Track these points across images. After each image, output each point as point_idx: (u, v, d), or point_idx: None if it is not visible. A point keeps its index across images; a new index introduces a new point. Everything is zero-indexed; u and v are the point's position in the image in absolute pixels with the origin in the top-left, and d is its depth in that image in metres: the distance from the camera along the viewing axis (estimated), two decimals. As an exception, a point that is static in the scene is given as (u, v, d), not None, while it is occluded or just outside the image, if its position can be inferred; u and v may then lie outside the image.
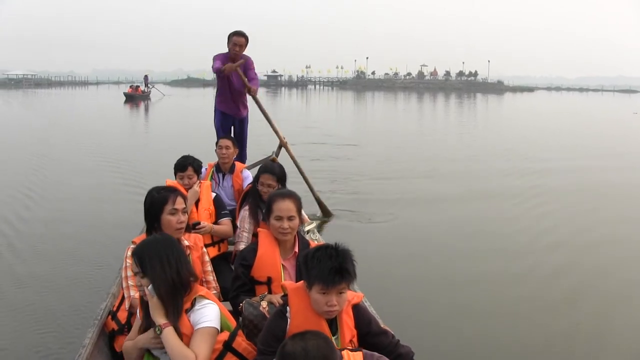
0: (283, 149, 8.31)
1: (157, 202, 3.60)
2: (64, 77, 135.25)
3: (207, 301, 2.85)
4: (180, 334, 2.75)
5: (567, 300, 6.08)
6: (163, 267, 2.78)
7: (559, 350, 5.03)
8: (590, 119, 38.70)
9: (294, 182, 6.67)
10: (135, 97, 49.17)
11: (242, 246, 4.57)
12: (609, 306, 5.99)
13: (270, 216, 3.62)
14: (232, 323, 2.96)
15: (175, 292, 2.79)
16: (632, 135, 25.72)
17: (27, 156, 15.28)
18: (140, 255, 2.82)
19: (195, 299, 2.83)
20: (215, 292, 3.79)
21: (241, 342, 2.94)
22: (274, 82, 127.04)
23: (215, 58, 7.68)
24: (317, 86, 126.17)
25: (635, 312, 5.90)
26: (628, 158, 17.52)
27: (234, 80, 7.72)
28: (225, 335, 2.88)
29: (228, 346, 2.88)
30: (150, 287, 2.76)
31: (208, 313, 2.79)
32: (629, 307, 6.01)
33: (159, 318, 2.76)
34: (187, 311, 2.80)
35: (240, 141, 7.27)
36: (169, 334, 2.72)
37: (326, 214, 8.96)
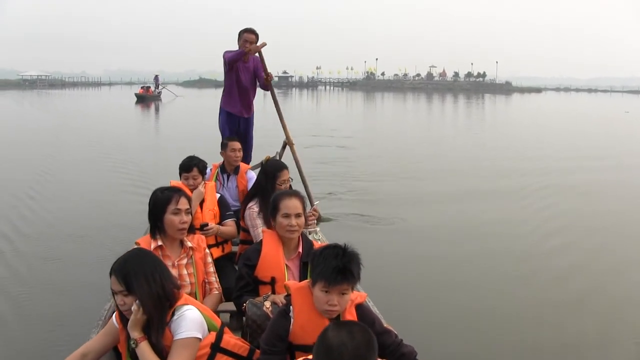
0: (288, 149, 8.22)
1: (160, 201, 3.62)
2: (77, 78, 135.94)
3: (185, 308, 2.79)
4: (164, 348, 2.73)
5: (575, 302, 6.05)
6: (149, 283, 2.73)
7: (566, 352, 5.00)
8: (586, 118, 39.84)
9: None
10: (147, 98, 49.52)
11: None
12: (618, 307, 5.94)
13: (276, 214, 3.60)
14: (217, 322, 2.92)
15: (162, 307, 2.75)
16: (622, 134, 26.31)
17: (35, 156, 15.38)
18: (124, 273, 2.74)
19: (174, 309, 2.78)
20: (217, 292, 3.80)
21: (229, 340, 2.92)
22: (285, 83, 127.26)
23: (226, 53, 7.73)
24: (328, 87, 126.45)
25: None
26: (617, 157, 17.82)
27: (242, 78, 7.72)
28: (212, 337, 2.85)
29: (216, 347, 2.84)
30: (137, 302, 2.71)
31: (185, 323, 2.73)
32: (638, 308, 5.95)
33: (136, 332, 2.72)
34: (168, 323, 2.76)
35: (245, 142, 7.26)
36: (145, 349, 2.70)
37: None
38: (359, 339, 2.11)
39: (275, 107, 8.11)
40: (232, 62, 7.59)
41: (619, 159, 17.06)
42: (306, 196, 8.05)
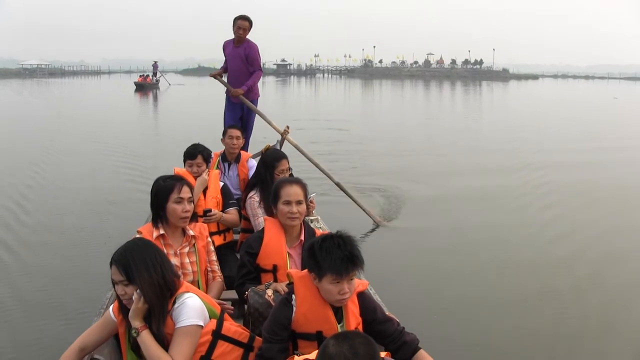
0: (286, 141, 8.16)
1: (163, 190, 3.61)
2: (77, 67, 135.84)
3: (185, 295, 2.80)
4: (166, 336, 2.74)
5: (577, 291, 6.04)
6: (150, 272, 2.74)
7: (568, 340, 5.00)
8: (573, 103, 40.86)
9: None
10: (145, 87, 49.68)
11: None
12: (619, 296, 5.95)
13: (278, 202, 3.60)
14: (217, 309, 2.93)
15: (163, 296, 2.76)
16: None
17: (34, 145, 15.30)
18: (125, 263, 2.74)
19: (175, 297, 2.79)
20: (220, 280, 3.81)
21: (230, 327, 2.92)
22: (284, 71, 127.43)
23: (224, 47, 8.05)
24: (326, 75, 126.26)
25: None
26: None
27: (232, 64, 7.93)
28: (213, 324, 2.85)
29: (217, 334, 2.85)
30: (137, 291, 2.72)
31: (186, 310, 2.74)
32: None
33: (137, 321, 2.73)
34: (169, 312, 2.77)
35: (245, 128, 7.28)
36: (146, 337, 2.71)
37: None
38: (362, 353, 2.05)
39: (254, 111, 8.01)
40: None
41: (603, 145, 17.23)
42: (327, 177, 8.20)
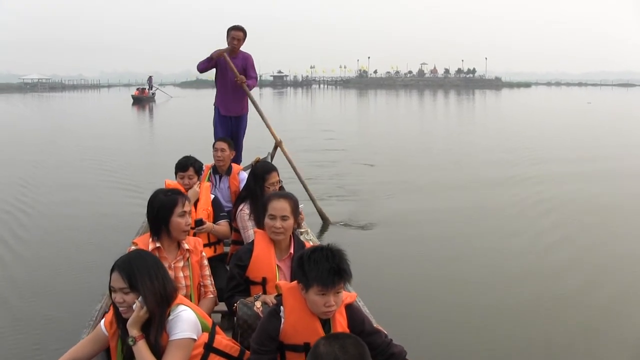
0: (279, 150, 8.17)
1: (167, 204, 3.63)
2: (77, 81, 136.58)
3: (180, 308, 2.81)
4: (162, 347, 2.75)
5: (568, 299, 6.03)
6: (152, 281, 2.76)
7: (559, 349, 4.99)
8: (549, 110, 41.99)
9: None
10: (143, 100, 50.46)
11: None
12: (612, 304, 5.93)
13: (265, 215, 3.62)
14: (209, 322, 2.94)
15: (163, 307, 2.77)
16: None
17: (26, 159, 15.33)
18: (129, 270, 2.77)
19: (170, 310, 2.81)
20: (212, 296, 3.81)
21: (221, 340, 2.93)
22: (280, 82, 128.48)
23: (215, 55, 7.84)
24: (322, 85, 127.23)
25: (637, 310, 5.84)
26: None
27: (226, 76, 7.82)
28: (205, 337, 2.86)
29: (209, 347, 2.86)
30: (140, 299, 2.73)
31: (180, 323, 2.76)
32: (633, 305, 5.96)
33: (135, 330, 2.74)
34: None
35: (235, 141, 7.28)
36: (142, 347, 2.72)
37: (324, 220, 8.65)
38: (352, 353, 2.08)
39: (255, 108, 8.05)
40: (202, 70, 7.94)
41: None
42: (310, 198, 8.23)
